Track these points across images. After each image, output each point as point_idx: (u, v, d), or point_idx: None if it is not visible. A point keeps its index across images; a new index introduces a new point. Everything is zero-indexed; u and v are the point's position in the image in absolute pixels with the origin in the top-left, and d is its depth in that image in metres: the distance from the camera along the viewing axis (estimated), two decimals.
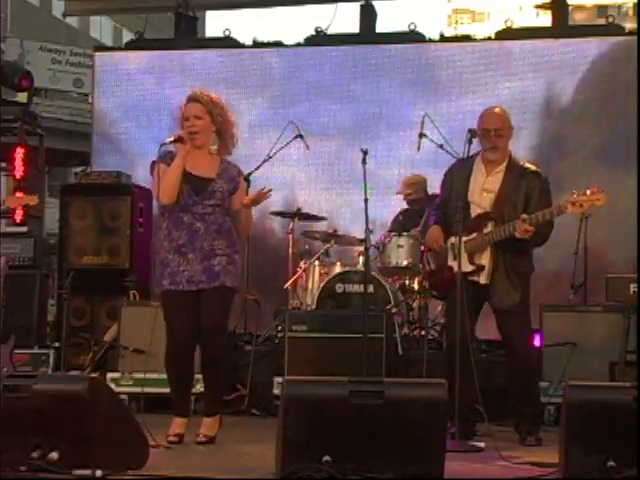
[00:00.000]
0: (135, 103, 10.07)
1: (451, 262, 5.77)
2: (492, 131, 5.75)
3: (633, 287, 7.14)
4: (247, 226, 5.70)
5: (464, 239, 5.64)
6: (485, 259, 5.74)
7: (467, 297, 5.51)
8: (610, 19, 9.81)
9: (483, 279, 5.74)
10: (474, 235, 5.74)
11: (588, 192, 5.47)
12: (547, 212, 5.56)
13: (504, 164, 5.80)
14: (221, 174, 5.52)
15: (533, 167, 5.86)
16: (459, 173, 5.88)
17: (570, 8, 10.33)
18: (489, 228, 5.73)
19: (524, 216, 5.56)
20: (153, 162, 5.53)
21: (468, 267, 5.70)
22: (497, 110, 5.93)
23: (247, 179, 6.59)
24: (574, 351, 6.52)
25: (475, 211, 5.80)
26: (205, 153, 5.54)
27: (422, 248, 7.47)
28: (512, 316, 5.74)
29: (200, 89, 5.66)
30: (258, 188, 5.58)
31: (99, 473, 4.04)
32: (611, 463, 4.03)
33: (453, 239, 5.75)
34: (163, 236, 5.52)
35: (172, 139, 5.47)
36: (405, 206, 8.45)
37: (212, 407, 5.57)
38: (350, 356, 6.54)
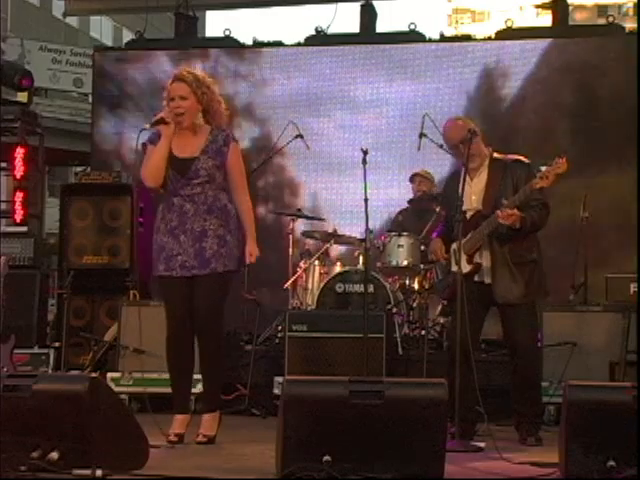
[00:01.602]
0: (135, 103, 10.08)
1: (453, 268, 5.75)
2: (459, 145, 5.73)
3: (633, 287, 7.14)
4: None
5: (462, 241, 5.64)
6: (485, 258, 5.72)
7: (473, 298, 5.49)
8: (610, 19, 9.84)
9: (487, 278, 5.72)
10: (470, 235, 5.74)
11: (553, 164, 5.46)
12: (521, 192, 5.55)
13: (486, 164, 5.79)
14: (207, 149, 5.43)
15: (515, 157, 5.84)
16: (452, 184, 5.90)
17: (570, 8, 10.35)
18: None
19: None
20: (144, 144, 5.47)
21: (467, 267, 5.69)
22: (449, 124, 5.87)
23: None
24: (574, 351, 6.52)
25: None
26: (192, 132, 5.47)
27: (422, 248, 7.52)
28: (515, 309, 5.68)
29: (186, 68, 5.61)
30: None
31: (99, 473, 4.03)
32: (611, 463, 4.03)
33: (454, 245, 5.73)
34: (159, 220, 5.51)
35: (152, 122, 5.41)
36: (405, 205, 8.44)
37: (210, 402, 5.52)
38: (350, 356, 6.54)
